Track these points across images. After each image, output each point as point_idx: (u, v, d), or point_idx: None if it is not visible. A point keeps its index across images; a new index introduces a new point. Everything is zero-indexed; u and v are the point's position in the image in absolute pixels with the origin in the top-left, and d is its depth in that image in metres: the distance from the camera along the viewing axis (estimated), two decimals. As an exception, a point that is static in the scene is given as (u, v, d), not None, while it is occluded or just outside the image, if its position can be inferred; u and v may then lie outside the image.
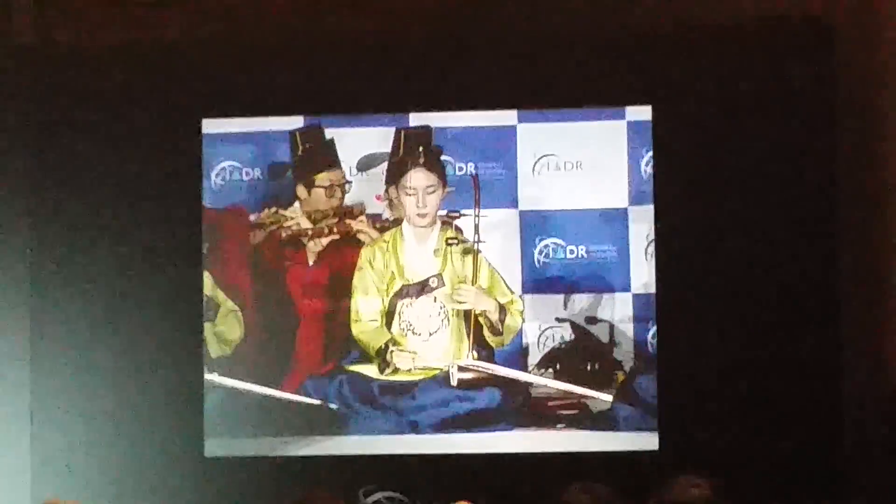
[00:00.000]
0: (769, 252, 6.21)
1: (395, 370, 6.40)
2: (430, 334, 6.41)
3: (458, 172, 6.43)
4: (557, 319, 6.38)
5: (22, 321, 6.47)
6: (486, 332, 6.38)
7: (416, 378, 6.40)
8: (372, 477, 6.26)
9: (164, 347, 6.44)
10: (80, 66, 6.53)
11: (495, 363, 6.37)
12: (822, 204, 6.22)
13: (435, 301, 6.41)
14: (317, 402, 6.41)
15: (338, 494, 5.57)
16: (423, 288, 6.42)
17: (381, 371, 6.40)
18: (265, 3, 6.53)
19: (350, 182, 6.47)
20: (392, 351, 6.39)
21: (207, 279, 6.48)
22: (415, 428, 6.39)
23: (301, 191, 6.48)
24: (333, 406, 6.41)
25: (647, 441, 6.24)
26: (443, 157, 6.42)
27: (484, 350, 6.38)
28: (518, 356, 6.38)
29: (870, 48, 6.27)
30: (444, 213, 6.40)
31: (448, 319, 6.40)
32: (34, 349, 6.47)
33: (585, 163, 6.40)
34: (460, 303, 6.38)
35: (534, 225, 6.40)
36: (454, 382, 6.36)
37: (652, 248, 6.31)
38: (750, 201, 6.23)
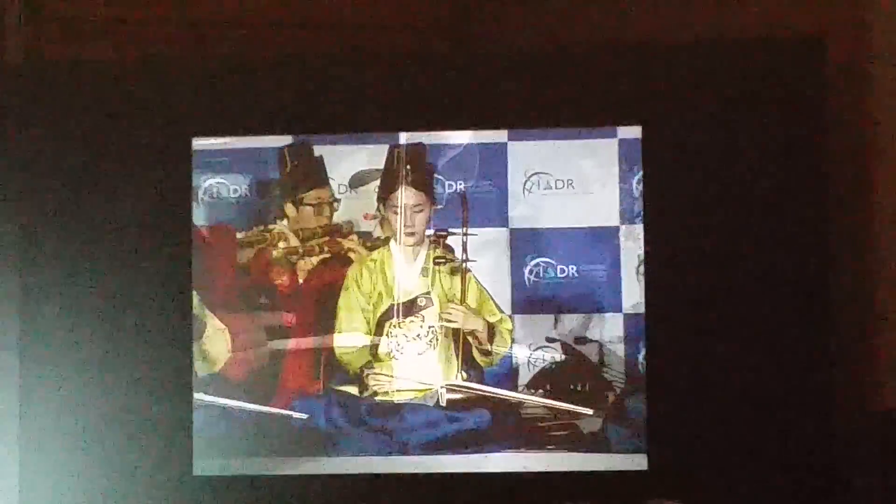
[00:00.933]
0: (760, 271, 6.18)
1: (374, 392, 6.37)
2: (419, 354, 6.37)
3: (447, 190, 6.40)
4: (548, 339, 6.35)
5: (9, 339, 6.45)
6: (475, 352, 6.34)
7: (405, 399, 6.37)
8: (361, 497, 6.24)
9: (152, 366, 6.42)
10: (69, 84, 6.51)
11: (484, 384, 6.34)
12: (814, 222, 6.18)
13: (423, 321, 6.37)
14: (305, 419, 6.38)
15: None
16: (411, 307, 6.39)
17: (361, 392, 6.37)
18: (256, 20, 6.52)
19: (339, 200, 6.45)
20: (368, 374, 6.36)
21: (194, 297, 6.45)
22: (404, 449, 6.34)
23: (289, 209, 6.46)
24: (322, 426, 6.38)
25: (637, 462, 6.21)
26: (435, 175, 6.39)
27: (473, 370, 6.35)
28: (507, 377, 6.33)
29: (862, 65, 6.25)
30: (431, 231, 6.38)
31: (437, 339, 6.36)
32: (22, 367, 6.44)
33: (577, 181, 6.37)
34: (448, 322, 6.34)
35: (524, 244, 6.37)
36: (443, 403, 6.33)
37: (643, 268, 6.28)
38: (741, 220, 6.20)
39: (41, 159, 6.49)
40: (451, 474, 6.29)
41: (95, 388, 6.41)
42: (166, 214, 6.46)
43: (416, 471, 6.31)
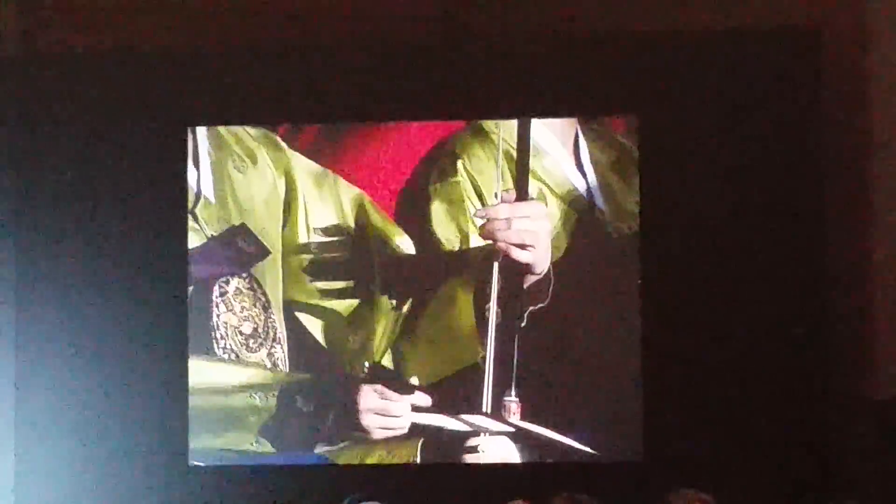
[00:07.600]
0: (756, 260, 6.20)
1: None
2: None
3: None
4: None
5: (6, 325, 6.46)
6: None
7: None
8: (358, 485, 6.24)
9: (148, 356, 6.42)
10: (65, 76, 6.52)
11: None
12: (811, 212, 6.21)
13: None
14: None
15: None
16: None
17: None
18: (251, 12, 6.52)
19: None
20: None
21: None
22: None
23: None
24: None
25: (632, 451, 6.23)
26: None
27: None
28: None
29: (857, 56, 6.26)
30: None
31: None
32: (18, 357, 6.45)
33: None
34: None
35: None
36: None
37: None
38: (736, 210, 6.22)
39: (36, 151, 6.49)
40: (447, 463, 6.32)
41: (91, 378, 6.41)
42: (163, 203, 6.47)
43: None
